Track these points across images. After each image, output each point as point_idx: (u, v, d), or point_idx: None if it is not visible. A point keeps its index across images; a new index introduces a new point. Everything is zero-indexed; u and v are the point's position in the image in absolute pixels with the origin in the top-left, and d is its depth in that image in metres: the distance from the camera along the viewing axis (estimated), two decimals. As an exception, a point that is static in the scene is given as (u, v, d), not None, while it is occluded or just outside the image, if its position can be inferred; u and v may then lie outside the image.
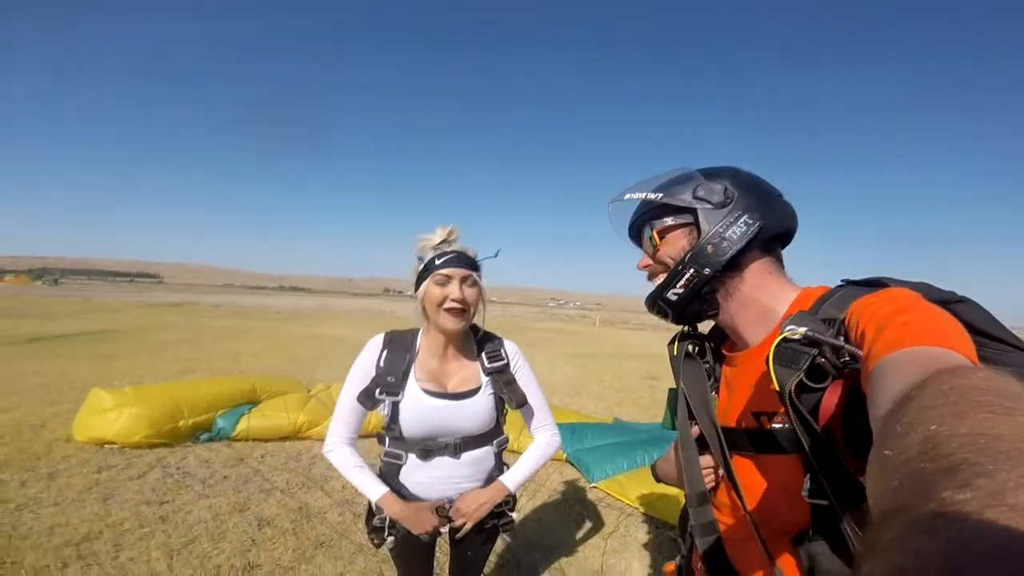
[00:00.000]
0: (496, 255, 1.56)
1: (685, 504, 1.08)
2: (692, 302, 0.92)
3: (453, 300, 1.39)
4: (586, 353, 15.34)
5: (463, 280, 1.41)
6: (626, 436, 4.82)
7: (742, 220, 0.86)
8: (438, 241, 1.47)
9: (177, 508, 3.24)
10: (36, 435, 4.39)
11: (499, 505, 1.52)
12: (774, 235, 0.89)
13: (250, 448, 4.46)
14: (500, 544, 1.67)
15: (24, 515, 2.95)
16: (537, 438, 1.62)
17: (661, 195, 0.92)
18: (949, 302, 0.70)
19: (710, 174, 0.91)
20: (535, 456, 1.59)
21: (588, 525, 3.45)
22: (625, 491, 3.83)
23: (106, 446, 4.16)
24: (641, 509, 3.64)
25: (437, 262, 1.41)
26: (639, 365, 12.69)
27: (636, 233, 1.02)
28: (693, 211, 0.89)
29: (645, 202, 0.96)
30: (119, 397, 4.41)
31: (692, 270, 0.89)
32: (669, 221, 0.93)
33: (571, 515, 3.62)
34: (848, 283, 0.81)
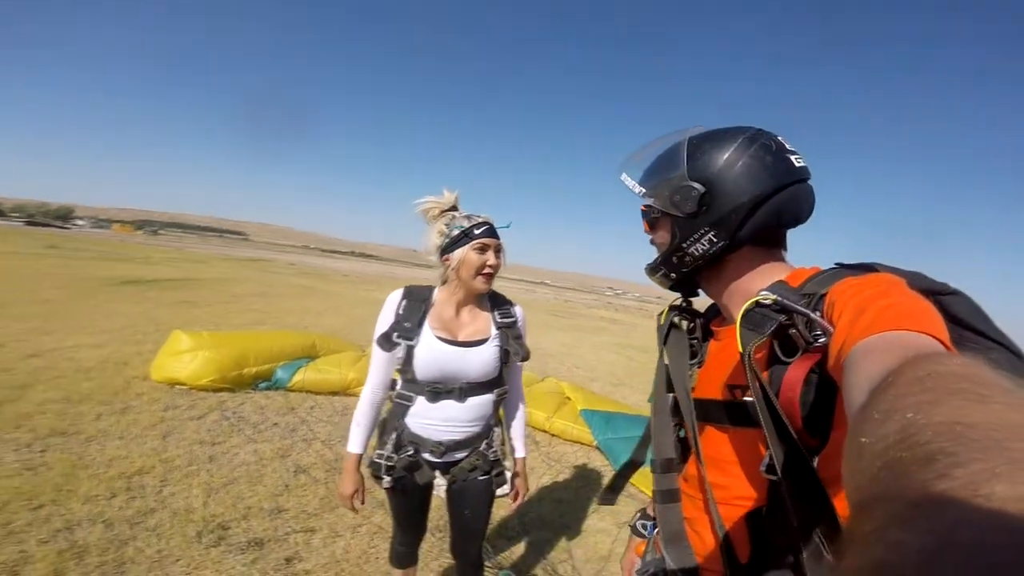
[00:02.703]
0: (508, 226, 1.67)
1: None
2: (679, 284, 0.98)
3: (490, 266, 1.56)
4: (636, 345, 14.99)
5: (497, 249, 1.59)
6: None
7: (706, 238, 0.86)
8: (448, 206, 1.64)
9: (226, 450, 3.48)
10: (118, 372, 4.81)
11: (493, 457, 1.69)
12: (761, 230, 0.85)
13: (302, 399, 4.72)
14: (508, 514, 1.75)
15: (91, 446, 3.25)
16: (518, 411, 1.82)
17: (643, 191, 0.94)
18: (939, 293, 0.69)
19: (700, 165, 0.86)
20: (522, 424, 1.82)
21: (604, 511, 3.43)
22: (650, 483, 3.74)
23: (176, 387, 4.51)
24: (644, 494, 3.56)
25: (476, 231, 1.56)
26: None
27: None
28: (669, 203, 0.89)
29: (650, 175, 0.96)
30: (196, 340, 4.76)
31: (662, 271, 0.96)
32: (654, 214, 0.95)
33: (589, 499, 3.61)
34: (840, 266, 0.80)
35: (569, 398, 5.31)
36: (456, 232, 1.56)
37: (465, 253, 1.54)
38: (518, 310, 1.73)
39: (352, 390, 4.97)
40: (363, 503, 1.70)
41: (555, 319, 14.46)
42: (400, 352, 1.56)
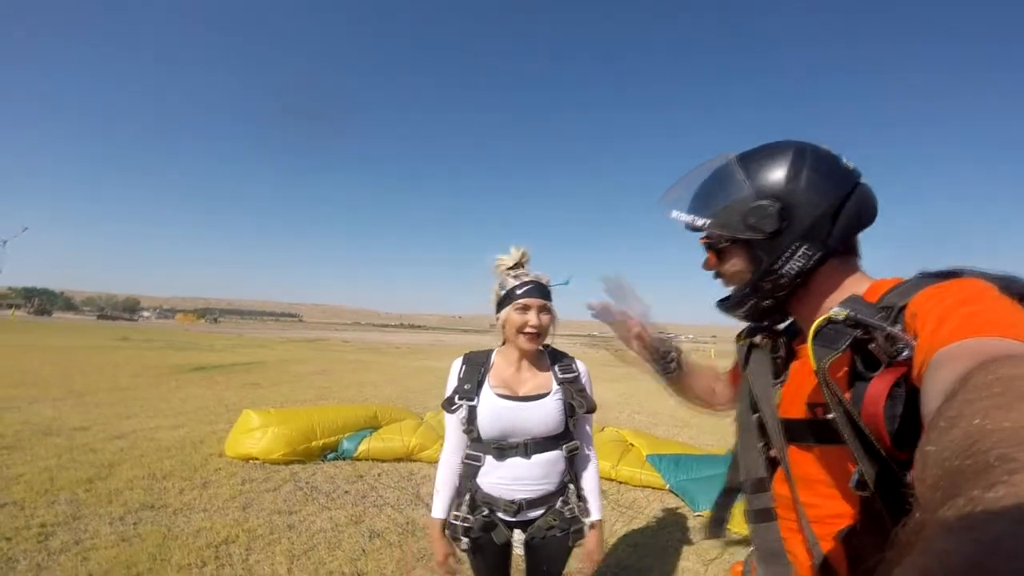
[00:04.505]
0: (567, 283, 1.69)
1: (721, 499, 1.10)
2: (767, 312, 0.93)
3: (531, 327, 1.56)
4: None
5: (540, 309, 1.58)
6: (738, 468, 4.53)
7: (800, 253, 0.82)
8: (512, 263, 1.65)
9: (303, 518, 3.54)
10: (196, 450, 5.03)
11: (570, 515, 1.61)
12: (847, 235, 0.84)
13: (369, 467, 4.78)
14: (581, 564, 1.70)
15: (178, 518, 3.38)
16: (590, 469, 1.71)
17: (708, 221, 0.89)
18: None
19: (765, 182, 0.84)
20: (595, 482, 1.70)
21: (687, 551, 3.30)
22: (734, 519, 3.57)
23: (250, 461, 4.68)
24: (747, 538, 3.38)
25: (518, 291, 1.58)
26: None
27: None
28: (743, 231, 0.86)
29: (691, 226, 0.93)
30: (265, 417, 4.99)
31: (753, 301, 0.90)
32: (722, 243, 0.91)
33: (670, 541, 3.48)
34: (924, 275, 0.76)
35: (633, 444, 5.22)
36: (504, 292, 1.61)
37: (508, 313, 1.58)
38: (580, 365, 1.72)
39: (415, 455, 5.03)
40: (459, 562, 1.67)
41: (608, 370, 14.19)
42: (463, 413, 1.58)
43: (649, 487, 4.50)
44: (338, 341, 36.39)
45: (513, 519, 1.59)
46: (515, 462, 1.57)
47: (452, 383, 1.63)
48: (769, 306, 0.90)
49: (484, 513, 1.58)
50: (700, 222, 0.90)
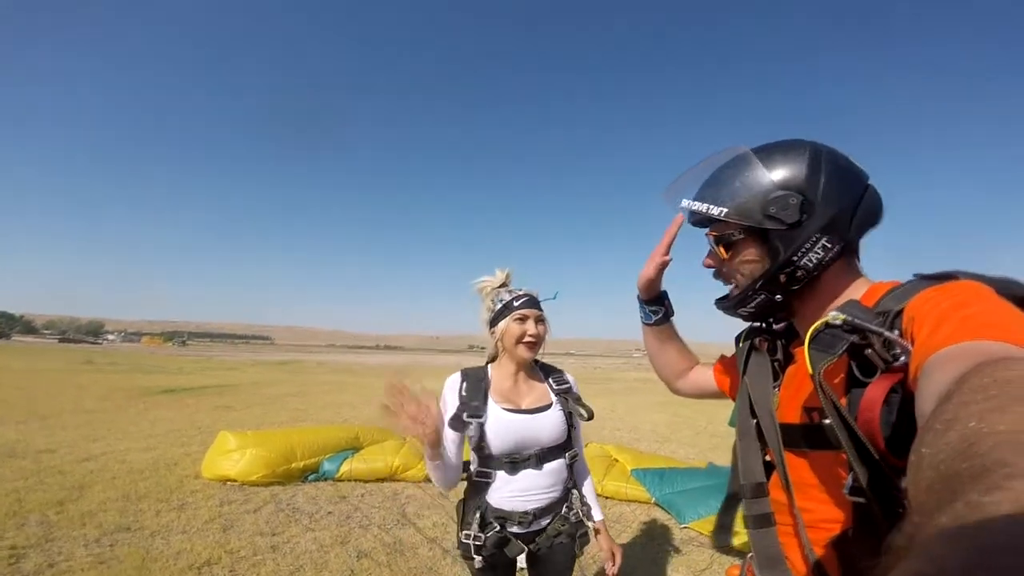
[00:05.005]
0: (555, 297, 1.77)
1: (724, 505, 1.09)
2: (774, 308, 0.91)
3: (530, 335, 1.63)
4: (676, 400, 14.37)
5: (537, 319, 1.66)
6: (720, 479, 4.56)
7: (820, 245, 0.81)
8: (498, 284, 1.73)
9: (286, 539, 3.45)
10: (170, 471, 4.86)
11: (575, 519, 1.66)
12: (863, 231, 0.85)
13: (351, 488, 4.69)
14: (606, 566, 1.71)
15: (156, 540, 3.26)
16: (587, 475, 1.81)
17: (725, 210, 0.86)
18: None
19: (785, 174, 0.83)
20: (592, 486, 1.80)
21: (677, 563, 3.33)
22: (707, 526, 3.69)
23: (228, 483, 4.54)
24: (738, 547, 3.41)
25: (516, 303, 1.65)
26: (739, 411, 11.90)
27: (697, 223, 0.97)
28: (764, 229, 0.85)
29: (706, 217, 0.90)
30: (242, 439, 4.88)
31: (763, 296, 0.87)
32: (736, 235, 0.88)
33: (659, 554, 3.50)
34: (919, 277, 0.76)
35: (617, 459, 5.26)
36: (499, 306, 1.67)
37: (507, 324, 1.63)
38: (570, 377, 1.80)
39: (399, 476, 4.95)
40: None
41: (587, 386, 14.27)
42: (472, 431, 1.58)
43: (635, 501, 4.53)
44: (312, 363, 35.69)
45: (525, 531, 1.60)
46: (527, 474, 1.59)
47: (453, 400, 1.63)
48: (778, 303, 0.87)
49: (496, 529, 1.58)
50: (716, 211, 0.86)
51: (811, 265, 0.82)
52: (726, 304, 0.94)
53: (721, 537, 1.17)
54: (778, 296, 0.86)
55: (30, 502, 3.75)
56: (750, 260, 0.88)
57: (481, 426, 1.57)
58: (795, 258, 0.82)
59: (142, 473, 4.73)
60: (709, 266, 0.96)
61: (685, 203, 0.92)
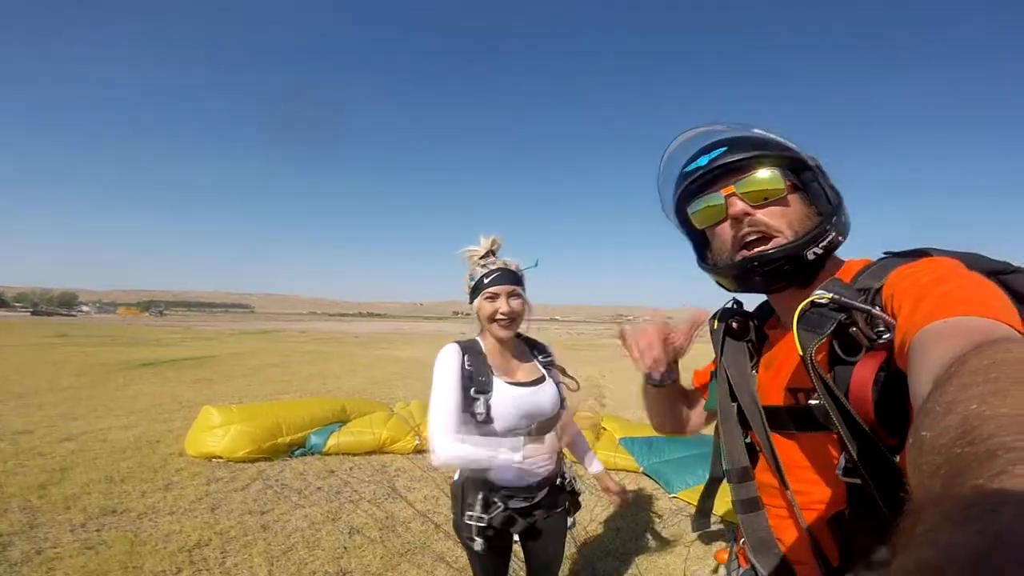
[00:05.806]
0: (535, 265, 1.73)
1: (705, 489, 1.11)
2: (797, 271, 0.82)
3: (502, 314, 1.58)
4: None
5: (509, 295, 1.60)
6: (707, 448, 4.66)
7: (845, 215, 0.84)
8: (483, 252, 1.67)
9: (276, 517, 3.44)
10: (153, 450, 4.79)
11: (570, 488, 1.74)
12: None
13: (340, 461, 4.67)
14: (573, 550, 1.74)
15: (144, 523, 3.22)
16: (581, 435, 1.95)
17: (792, 147, 0.84)
18: (1001, 272, 0.67)
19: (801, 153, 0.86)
20: (583, 440, 1.95)
21: (668, 533, 3.40)
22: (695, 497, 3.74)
23: (213, 460, 4.49)
24: (726, 517, 3.51)
25: (485, 280, 1.60)
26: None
27: (734, 171, 0.85)
28: (813, 175, 0.84)
29: (774, 143, 0.85)
30: (226, 414, 4.79)
31: (833, 233, 0.81)
32: (792, 179, 0.84)
33: (650, 524, 3.57)
34: (890, 255, 0.78)
35: (605, 428, 5.32)
36: (473, 283, 1.63)
37: (480, 303, 1.60)
38: (552, 349, 1.82)
39: (387, 448, 4.94)
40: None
41: (573, 353, 14.35)
42: (479, 407, 1.53)
43: (624, 470, 4.59)
44: (294, 332, 35.46)
45: (527, 505, 1.61)
46: (531, 447, 1.59)
47: (458, 374, 1.53)
48: (814, 261, 0.80)
49: (500, 508, 1.57)
50: (787, 145, 0.84)
51: (848, 227, 0.83)
52: (791, 248, 0.80)
53: (702, 523, 1.19)
54: (817, 251, 0.79)
55: (10, 486, 3.66)
56: (800, 214, 0.83)
57: (488, 402, 1.54)
58: (840, 216, 0.82)
59: (124, 452, 4.65)
60: (747, 215, 0.83)
61: (757, 131, 0.86)
